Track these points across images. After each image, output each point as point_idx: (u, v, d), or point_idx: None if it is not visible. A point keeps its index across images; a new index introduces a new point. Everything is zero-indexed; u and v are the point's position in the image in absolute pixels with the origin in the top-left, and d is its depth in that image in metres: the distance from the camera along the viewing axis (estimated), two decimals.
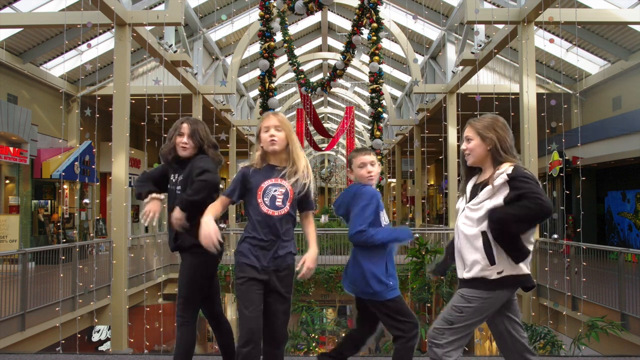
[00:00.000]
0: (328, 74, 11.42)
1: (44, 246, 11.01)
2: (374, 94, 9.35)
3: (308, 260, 2.55)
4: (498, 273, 2.25)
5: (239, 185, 2.57)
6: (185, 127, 2.84)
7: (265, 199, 2.52)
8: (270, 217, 2.51)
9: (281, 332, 2.57)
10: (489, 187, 2.28)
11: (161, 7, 12.35)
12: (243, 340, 2.43)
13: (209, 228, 2.42)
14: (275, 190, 2.53)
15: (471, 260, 2.30)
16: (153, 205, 2.82)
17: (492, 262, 2.25)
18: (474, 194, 2.38)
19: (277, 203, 2.52)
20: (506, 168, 2.28)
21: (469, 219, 2.34)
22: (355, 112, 22.03)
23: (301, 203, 2.62)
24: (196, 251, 2.67)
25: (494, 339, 2.49)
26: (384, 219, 2.81)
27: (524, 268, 2.28)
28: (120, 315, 8.29)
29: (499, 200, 2.25)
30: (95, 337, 10.63)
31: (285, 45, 11.67)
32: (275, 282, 2.52)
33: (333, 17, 18.81)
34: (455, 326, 2.28)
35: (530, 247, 2.29)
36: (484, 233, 2.27)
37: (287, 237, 2.56)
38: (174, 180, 2.88)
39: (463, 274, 2.37)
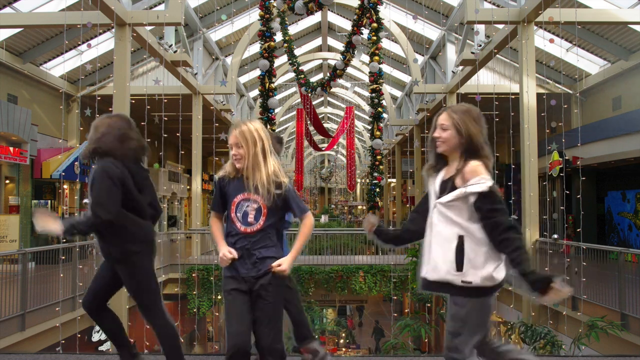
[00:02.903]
0: (328, 74, 11.42)
1: (44, 246, 11.00)
2: (374, 94, 9.37)
3: (283, 264, 2.46)
4: (463, 282, 2.20)
5: (219, 197, 2.56)
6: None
7: (238, 214, 2.48)
8: (244, 233, 2.47)
9: (267, 341, 2.45)
10: (462, 190, 2.22)
11: (161, 7, 12.34)
12: (229, 354, 2.40)
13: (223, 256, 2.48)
14: (247, 206, 2.47)
15: (439, 261, 2.25)
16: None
17: (459, 268, 2.20)
18: (443, 188, 2.31)
19: (249, 219, 2.47)
20: (482, 180, 2.20)
21: (444, 216, 2.28)
22: (355, 112, 22.03)
23: (289, 211, 2.55)
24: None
25: None
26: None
27: (497, 278, 2.22)
28: (120, 315, 8.21)
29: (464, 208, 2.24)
30: (95, 337, 10.62)
31: (285, 45, 11.68)
32: (259, 290, 2.44)
33: (333, 17, 18.81)
34: (464, 336, 2.24)
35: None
36: (461, 237, 2.22)
37: (265, 246, 2.49)
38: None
39: (427, 273, 2.30)
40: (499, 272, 2.24)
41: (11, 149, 11.68)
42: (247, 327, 2.42)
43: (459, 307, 2.25)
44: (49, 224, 2.63)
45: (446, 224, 2.26)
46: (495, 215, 2.18)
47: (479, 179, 2.20)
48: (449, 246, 2.23)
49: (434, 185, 2.37)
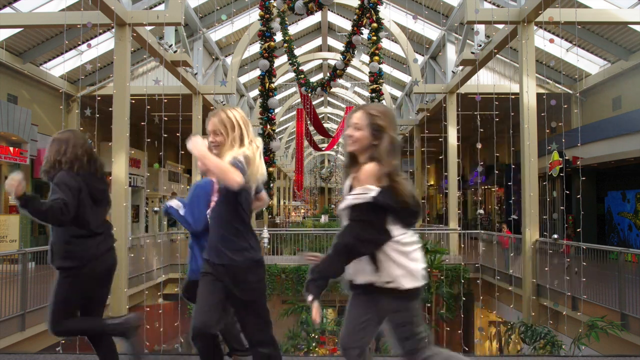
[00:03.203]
0: (328, 74, 11.42)
1: (44, 246, 10.96)
2: (374, 94, 9.34)
3: (199, 144, 2.26)
4: (387, 282, 2.18)
5: None
6: None
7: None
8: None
9: (254, 335, 2.45)
10: (347, 202, 2.21)
11: (161, 7, 12.34)
12: (191, 334, 2.40)
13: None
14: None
15: (359, 264, 2.22)
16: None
17: (377, 269, 2.19)
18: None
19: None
20: (365, 192, 2.14)
21: None
22: None
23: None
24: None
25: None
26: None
27: (406, 283, 2.19)
28: (120, 314, 8.27)
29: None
30: None
31: (285, 45, 11.67)
32: (230, 285, 2.40)
33: (333, 17, 18.81)
34: (413, 338, 2.26)
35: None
36: None
37: (225, 232, 2.41)
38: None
39: (353, 277, 2.28)
40: (415, 272, 2.23)
41: (11, 149, 11.68)
42: (210, 308, 2.40)
43: (396, 312, 2.24)
44: (16, 189, 2.56)
45: None
46: (350, 227, 2.16)
47: (364, 190, 2.15)
48: None
49: (344, 190, 2.34)
